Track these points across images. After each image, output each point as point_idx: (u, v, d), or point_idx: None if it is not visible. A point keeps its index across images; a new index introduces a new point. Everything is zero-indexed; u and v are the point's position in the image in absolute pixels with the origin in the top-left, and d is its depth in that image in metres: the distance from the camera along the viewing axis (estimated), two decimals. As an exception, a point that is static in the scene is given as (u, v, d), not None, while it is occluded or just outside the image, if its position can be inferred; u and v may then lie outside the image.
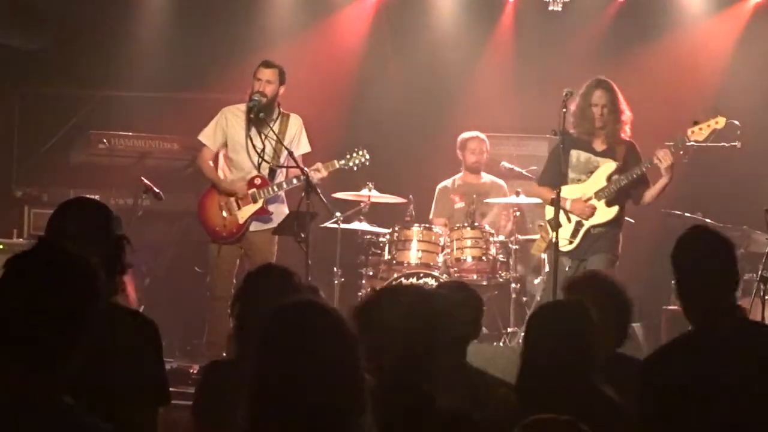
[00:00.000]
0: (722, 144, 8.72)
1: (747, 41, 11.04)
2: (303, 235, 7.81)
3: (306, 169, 8.24)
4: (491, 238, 9.23)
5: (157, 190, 8.92)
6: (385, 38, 11.52)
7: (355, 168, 8.69)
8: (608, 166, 8.17)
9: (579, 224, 8.14)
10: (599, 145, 8.22)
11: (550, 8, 11.20)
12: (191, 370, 8.14)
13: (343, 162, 8.61)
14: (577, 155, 8.15)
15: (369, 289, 9.26)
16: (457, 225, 9.41)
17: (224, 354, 7.95)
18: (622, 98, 8.19)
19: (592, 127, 8.15)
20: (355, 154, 8.66)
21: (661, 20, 11.21)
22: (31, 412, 2.51)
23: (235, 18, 11.08)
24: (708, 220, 9.76)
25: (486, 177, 10.02)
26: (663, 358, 4.01)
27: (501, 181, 10.02)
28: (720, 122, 7.99)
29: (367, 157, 8.69)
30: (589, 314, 4.08)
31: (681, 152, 8.05)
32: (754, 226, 9.59)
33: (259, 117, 8.38)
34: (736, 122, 8.75)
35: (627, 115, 8.18)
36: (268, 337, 2.73)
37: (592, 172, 8.19)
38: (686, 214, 9.80)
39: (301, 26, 11.36)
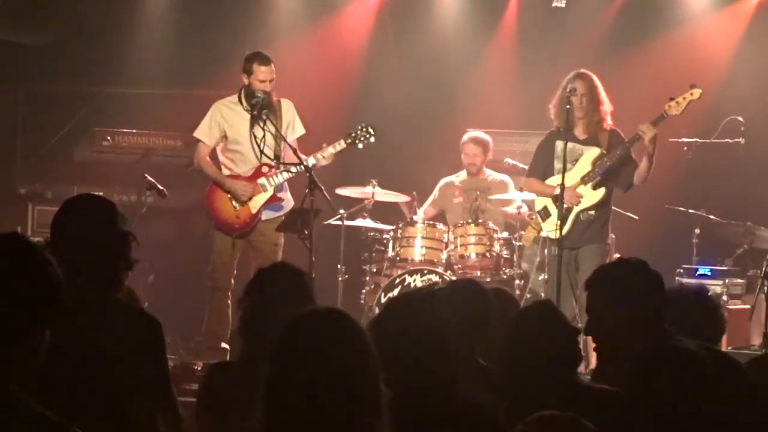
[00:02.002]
0: (726, 140, 8.74)
1: (750, 38, 11.03)
2: (306, 232, 7.79)
3: (307, 161, 8.24)
4: (495, 235, 9.24)
5: (161, 187, 8.92)
6: (388, 35, 11.52)
7: (361, 145, 8.61)
8: (592, 152, 8.15)
9: (568, 210, 8.11)
10: (581, 134, 8.20)
11: (554, 4, 11.20)
12: (195, 367, 8.13)
13: (349, 140, 8.51)
14: (561, 145, 8.11)
15: (372, 286, 9.28)
16: (461, 222, 9.41)
17: (222, 344, 7.97)
18: (603, 90, 8.16)
19: (572, 116, 8.12)
20: (359, 131, 8.59)
21: (665, 17, 11.21)
22: None
23: (238, 14, 11.08)
24: (712, 216, 9.77)
25: (490, 173, 10.01)
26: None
27: (506, 178, 9.99)
28: (695, 93, 7.92)
29: (372, 132, 8.57)
30: (561, 313, 4.09)
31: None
32: (758, 223, 9.59)
33: (262, 113, 8.38)
34: (740, 118, 8.76)
35: (607, 105, 8.15)
36: (284, 345, 2.71)
37: (576, 160, 8.17)
38: (690, 211, 9.80)
39: (304, 23, 11.36)
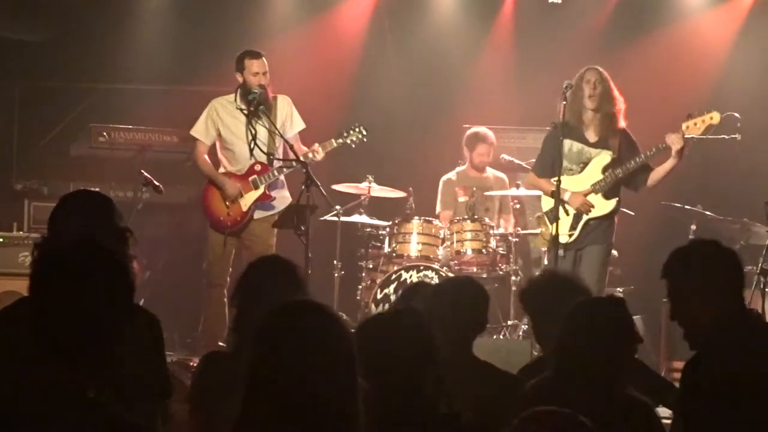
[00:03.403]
0: (722, 136, 8.73)
1: (746, 34, 11.04)
2: (303, 228, 7.81)
3: (303, 156, 8.24)
4: (491, 231, 9.24)
5: (157, 183, 8.92)
6: (384, 31, 11.51)
7: (353, 145, 8.66)
8: (602, 157, 8.11)
9: (578, 216, 8.11)
10: (592, 136, 8.14)
11: (550, 0, 11.20)
12: (191, 363, 8.14)
13: (340, 140, 8.60)
14: (569, 145, 8.04)
15: (369, 282, 9.28)
16: (458, 218, 9.42)
17: (220, 342, 7.98)
18: (615, 87, 8.13)
19: (582, 107, 8.06)
20: (352, 131, 8.64)
21: (661, 13, 11.22)
22: (61, 405, 2.53)
23: (235, 11, 11.07)
24: (708, 213, 9.78)
25: (489, 171, 10.02)
26: (705, 359, 3.93)
27: (503, 175, 10.01)
28: (714, 118, 7.94)
29: (365, 133, 8.63)
30: (628, 312, 4.04)
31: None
32: (754, 219, 9.59)
33: (259, 109, 8.39)
34: (736, 114, 8.75)
35: (620, 101, 8.11)
36: (263, 334, 2.73)
37: (585, 164, 8.13)
38: (686, 207, 9.80)
39: (301, 19, 11.35)
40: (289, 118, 8.62)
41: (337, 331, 2.75)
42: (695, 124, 7.93)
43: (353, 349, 2.75)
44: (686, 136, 7.92)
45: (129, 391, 3.58)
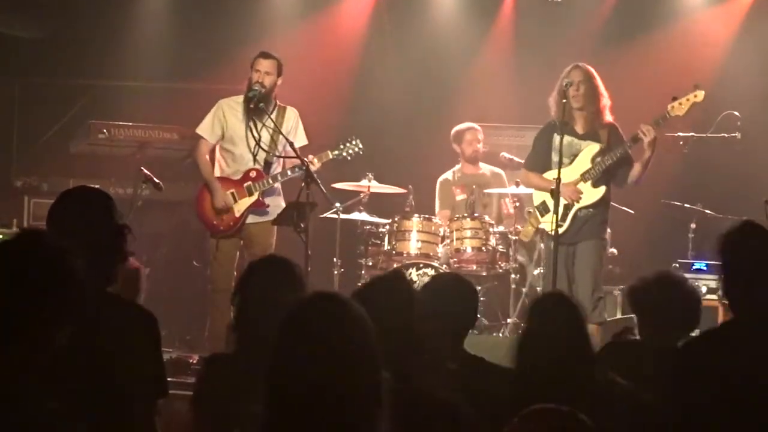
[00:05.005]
0: (722, 135, 8.73)
1: (746, 33, 11.04)
2: (302, 226, 7.81)
3: (305, 158, 8.27)
4: (491, 229, 9.24)
5: (157, 180, 8.91)
6: (384, 29, 11.52)
7: (349, 158, 8.68)
8: (591, 148, 8.12)
9: (567, 207, 8.10)
10: (581, 129, 8.15)
11: (550, -1, 11.23)
12: (191, 360, 8.14)
13: (336, 152, 8.60)
14: (558, 139, 8.08)
15: (368, 280, 9.26)
16: (457, 216, 9.43)
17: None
18: (601, 84, 8.13)
19: (570, 110, 8.08)
20: (348, 144, 8.65)
21: (661, 11, 11.22)
22: None
23: (234, 8, 11.08)
24: (708, 211, 9.78)
25: (485, 167, 10.04)
26: (702, 346, 3.99)
27: (500, 170, 10.04)
28: (699, 95, 7.93)
29: (361, 146, 8.66)
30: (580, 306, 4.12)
31: (667, 124, 8.02)
32: (753, 217, 9.57)
33: (258, 107, 8.39)
34: (736, 113, 8.75)
35: (606, 98, 8.12)
36: (287, 329, 2.69)
37: (575, 156, 8.14)
38: (686, 205, 9.80)
39: (301, 17, 11.36)
40: (294, 131, 8.59)
41: (359, 321, 2.72)
42: (680, 104, 7.92)
43: (375, 339, 2.72)
44: (670, 116, 7.92)
45: (126, 390, 3.60)
